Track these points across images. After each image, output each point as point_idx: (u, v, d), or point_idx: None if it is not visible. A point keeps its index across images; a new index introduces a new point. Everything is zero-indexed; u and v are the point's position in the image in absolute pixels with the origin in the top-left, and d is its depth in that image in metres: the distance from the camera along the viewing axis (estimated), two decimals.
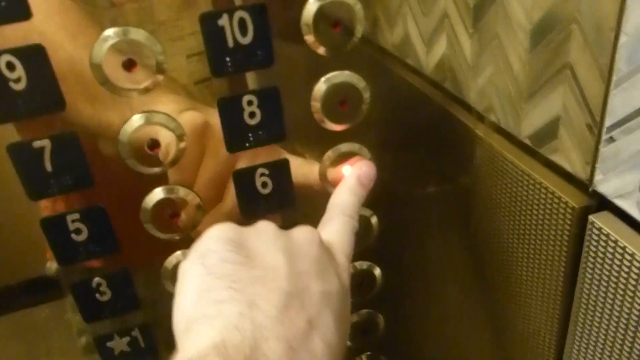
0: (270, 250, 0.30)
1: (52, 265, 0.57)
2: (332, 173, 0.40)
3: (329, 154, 0.40)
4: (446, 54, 0.50)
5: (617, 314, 0.36)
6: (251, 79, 0.52)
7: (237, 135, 0.37)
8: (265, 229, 0.32)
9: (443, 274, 0.51)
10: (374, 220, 0.43)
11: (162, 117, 0.35)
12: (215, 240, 0.30)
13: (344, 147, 0.40)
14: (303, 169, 0.41)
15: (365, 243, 0.44)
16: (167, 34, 0.32)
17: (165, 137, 0.35)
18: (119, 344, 0.41)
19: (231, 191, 0.40)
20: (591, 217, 0.36)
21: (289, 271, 0.29)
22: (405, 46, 0.55)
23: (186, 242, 0.39)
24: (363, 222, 0.43)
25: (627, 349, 0.36)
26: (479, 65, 0.46)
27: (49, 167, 0.34)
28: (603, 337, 0.37)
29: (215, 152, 0.40)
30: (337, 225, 0.36)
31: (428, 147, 0.50)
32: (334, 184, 0.40)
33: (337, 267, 0.32)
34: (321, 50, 0.36)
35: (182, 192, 0.38)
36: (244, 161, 0.40)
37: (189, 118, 0.38)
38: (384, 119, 0.45)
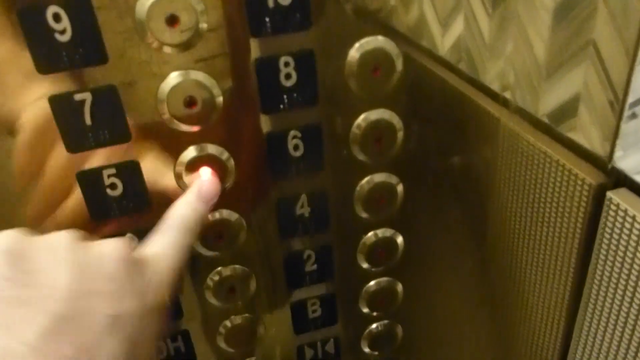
0: (55, 266, 0.26)
1: None
2: (189, 178, 0.38)
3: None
4: (463, 35, 0.50)
5: (630, 292, 0.36)
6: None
7: (272, 97, 0.37)
8: (59, 240, 0.28)
9: (460, 247, 0.51)
10: (399, 188, 0.44)
11: (199, 74, 0.35)
12: None
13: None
14: (157, 171, 0.38)
15: (391, 210, 0.45)
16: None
17: (202, 95, 0.36)
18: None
19: (76, 191, 0.37)
20: (609, 194, 0.36)
21: (70, 291, 0.25)
22: (420, 28, 0.55)
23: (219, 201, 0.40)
24: (389, 189, 0.44)
25: None
26: (497, 45, 0.46)
27: (88, 120, 0.34)
28: (615, 315, 0.38)
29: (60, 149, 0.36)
30: (162, 239, 0.33)
31: (446, 127, 0.50)
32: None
33: (142, 286, 0.29)
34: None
35: (213, 149, 0.38)
36: (91, 161, 0.37)
37: (34, 113, 0.35)
38: (408, 97, 0.45)
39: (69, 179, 0.37)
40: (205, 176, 0.37)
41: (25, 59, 0.32)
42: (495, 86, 0.47)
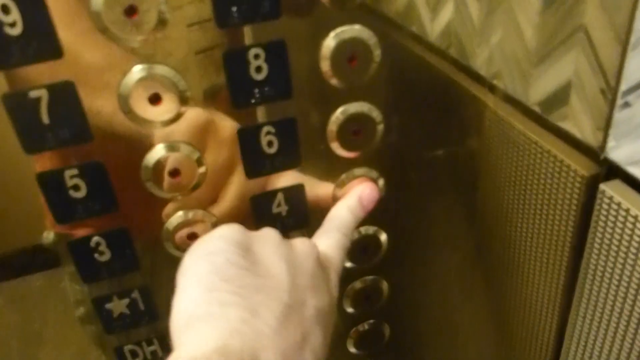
0: (274, 259, 0.30)
1: (49, 235, 0.56)
2: (342, 193, 0.41)
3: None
4: (452, 20, 0.49)
5: (625, 283, 0.35)
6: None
7: (242, 91, 0.35)
8: (270, 236, 0.32)
9: (448, 241, 0.50)
10: (380, 182, 0.42)
11: (164, 69, 0.34)
12: (224, 240, 0.30)
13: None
14: (317, 191, 0.41)
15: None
16: (167, 4, 0.31)
17: (168, 94, 0.34)
18: (118, 306, 0.40)
19: (228, 195, 0.39)
20: (602, 186, 0.36)
21: (291, 283, 0.29)
22: (409, 13, 0.54)
23: (187, 203, 0.38)
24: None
25: (635, 320, 0.35)
26: (487, 30, 0.45)
27: (45, 119, 0.32)
28: (610, 307, 0.37)
29: (217, 153, 0.38)
30: (331, 241, 0.36)
31: (433, 116, 0.49)
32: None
33: (329, 283, 0.32)
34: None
35: (184, 149, 0.36)
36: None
37: (193, 114, 0.37)
38: (389, 87, 0.44)
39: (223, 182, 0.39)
40: (367, 184, 0.40)
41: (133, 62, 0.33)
42: (484, 72, 0.46)
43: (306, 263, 0.31)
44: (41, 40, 0.30)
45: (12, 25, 0.29)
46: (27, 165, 0.38)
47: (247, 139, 0.37)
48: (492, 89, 0.45)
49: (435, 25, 0.52)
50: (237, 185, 0.39)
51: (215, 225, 0.38)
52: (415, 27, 0.54)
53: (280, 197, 0.39)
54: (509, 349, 0.50)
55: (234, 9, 0.33)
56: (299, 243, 0.33)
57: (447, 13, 0.50)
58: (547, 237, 0.41)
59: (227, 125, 0.38)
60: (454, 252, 0.51)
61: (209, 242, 0.30)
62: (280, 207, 0.40)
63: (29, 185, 0.36)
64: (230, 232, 0.30)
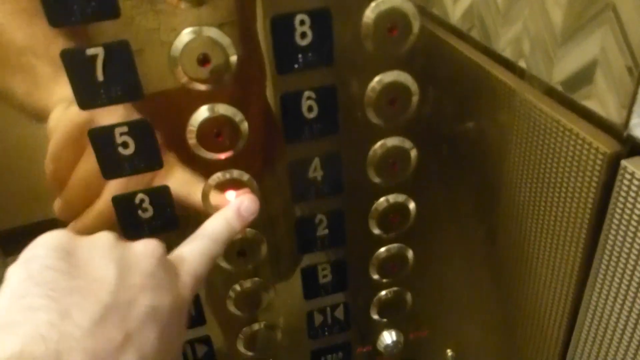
0: (101, 262, 0.29)
1: (59, 203, 0.57)
2: (215, 197, 0.40)
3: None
4: (475, 1, 0.49)
5: None
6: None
7: (288, 56, 0.36)
8: (102, 239, 0.31)
9: (472, 215, 0.51)
10: (413, 153, 0.43)
11: (213, 31, 0.35)
12: (43, 246, 0.29)
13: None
14: (186, 188, 0.40)
15: (404, 176, 0.44)
16: None
17: (216, 53, 0.35)
18: None
19: (104, 196, 0.39)
20: (624, 162, 0.36)
21: (116, 283, 0.28)
22: None
23: (230, 163, 0.39)
24: (402, 153, 0.43)
25: None
26: (511, 11, 0.45)
27: (100, 76, 0.34)
28: (626, 286, 0.37)
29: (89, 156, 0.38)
30: (194, 245, 0.35)
31: (461, 97, 0.50)
32: (216, 208, 0.39)
33: (174, 284, 0.32)
34: None
35: (224, 109, 0.37)
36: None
37: (71, 116, 0.36)
38: (425, 61, 0.44)
39: (97, 183, 0.38)
40: (248, 195, 0.39)
41: (57, 48, 0.33)
42: (508, 53, 0.46)
43: (143, 263, 0.30)
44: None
45: None
46: (38, 140, 0.38)
47: (289, 103, 0.38)
48: (514, 69, 0.45)
49: (457, 7, 0.52)
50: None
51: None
52: (437, 9, 0.54)
53: (143, 197, 0.39)
54: (524, 324, 0.51)
55: None
56: (140, 244, 0.32)
57: None
58: (566, 213, 0.41)
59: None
60: (477, 226, 0.52)
61: (28, 250, 0.29)
62: (146, 212, 0.39)
63: (40, 159, 0.38)
64: (50, 237, 0.29)
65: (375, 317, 0.52)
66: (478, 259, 0.53)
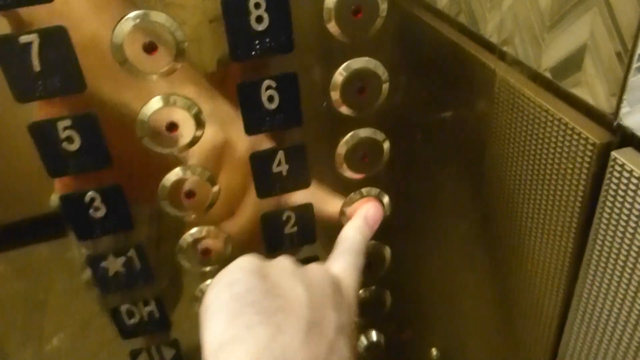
0: (291, 283, 0.32)
1: (56, 198, 0.56)
2: (350, 211, 0.43)
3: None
4: None
5: (634, 253, 0.34)
6: None
7: (243, 42, 0.34)
8: (284, 262, 0.34)
9: (453, 210, 0.49)
10: (385, 145, 0.41)
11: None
12: (242, 270, 0.32)
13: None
14: (327, 207, 0.43)
15: (376, 169, 0.42)
16: None
17: (164, 44, 0.33)
18: (114, 265, 0.40)
19: (243, 212, 0.41)
20: (614, 153, 0.34)
21: (308, 302, 0.31)
22: None
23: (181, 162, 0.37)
24: (374, 145, 0.41)
25: None
26: None
27: (37, 65, 0.31)
28: (617, 279, 0.36)
29: (232, 172, 0.40)
30: (346, 262, 0.38)
31: (440, 82, 0.48)
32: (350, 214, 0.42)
33: (345, 302, 0.34)
34: None
35: (181, 102, 0.35)
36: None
37: (210, 137, 0.38)
38: (395, 47, 0.42)
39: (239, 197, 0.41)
40: (372, 203, 0.42)
41: None
42: (494, 38, 0.45)
43: (322, 284, 0.33)
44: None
45: None
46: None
47: (248, 93, 0.36)
48: (502, 55, 0.43)
49: None
50: (250, 203, 0.41)
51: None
52: None
53: (290, 214, 0.41)
54: (514, 320, 0.49)
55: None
56: (314, 267, 0.35)
57: None
58: (556, 206, 0.40)
59: (241, 144, 0.39)
60: (459, 220, 0.50)
61: (228, 274, 0.32)
62: (290, 224, 0.42)
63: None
64: (247, 262, 0.33)
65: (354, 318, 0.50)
66: (460, 255, 0.51)
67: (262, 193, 0.40)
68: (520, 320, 0.48)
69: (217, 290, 0.31)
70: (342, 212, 0.43)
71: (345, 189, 0.43)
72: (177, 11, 0.37)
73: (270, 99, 0.36)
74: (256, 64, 0.36)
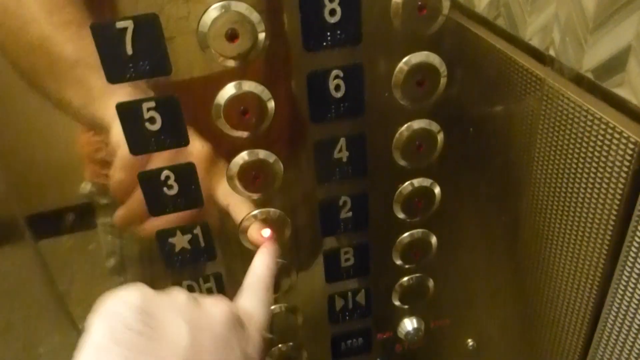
0: (176, 323, 0.31)
1: (86, 186, 0.57)
2: (252, 231, 0.43)
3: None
4: None
5: None
6: None
7: (316, 34, 0.36)
8: (178, 298, 0.33)
9: (496, 203, 0.51)
10: (440, 136, 0.43)
11: (242, 6, 0.34)
12: (125, 304, 0.30)
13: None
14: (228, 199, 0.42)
15: (430, 159, 0.44)
16: None
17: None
18: (181, 241, 0.42)
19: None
20: None
21: (189, 345, 0.30)
22: None
23: (253, 143, 0.39)
24: (429, 136, 0.43)
25: None
26: None
27: (129, 49, 0.34)
28: None
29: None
30: (254, 298, 0.37)
31: (481, 83, 0.49)
32: (250, 240, 0.43)
33: (245, 343, 0.33)
34: None
35: (253, 87, 0.37)
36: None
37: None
38: (454, 43, 0.44)
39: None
40: (268, 236, 0.42)
41: None
42: (535, 42, 0.46)
43: (214, 324, 0.32)
44: None
45: None
46: (60, 126, 0.39)
47: (316, 81, 0.38)
48: (543, 58, 0.45)
49: None
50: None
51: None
52: None
53: (346, 199, 0.42)
54: (547, 316, 0.50)
55: None
56: (210, 304, 0.33)
57: None
58: (593, 204, 0.40)
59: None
60: (502, 214, 0.51)
61: (111, 304, 0.31)
62: (345, 209, 0.43)
63: (63, 145, 0.39)
64: (132, 297, 0.31)
65: (397, 303, 0.52)
66: (501, 248, 0.53)
67: (322, 178, 0.42)
68: (553, 320, 0.49)
69: (97, 319, 0.30)
70: (242, 229, 0.43)
71: (399, 178, 0.45)
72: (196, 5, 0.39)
73: (337, 87, 0.38)
74: (322, 55, 0.38)
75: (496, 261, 0.53)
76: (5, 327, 0.54)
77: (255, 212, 0.42)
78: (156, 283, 0.43)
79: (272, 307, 0.49)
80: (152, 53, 0.34)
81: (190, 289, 0.45)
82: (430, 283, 0.51)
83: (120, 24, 0.33)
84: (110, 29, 0.33)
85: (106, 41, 0.33)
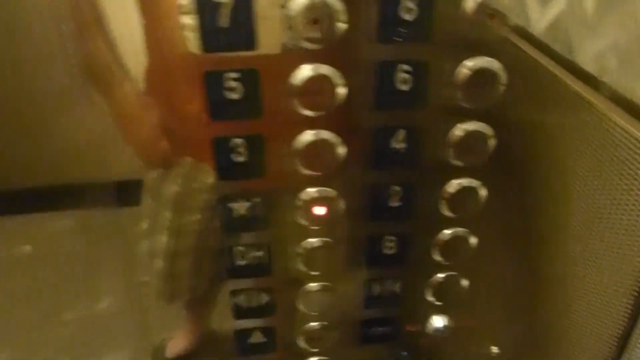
0: None
1: None
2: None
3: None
4: (563, 13, 0.50)
5: None
6: None
7: (390, 28, 0.39)
8: None
9: (535, 210, 0.52)
10: (491, 141, 0.45)
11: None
12: None
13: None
14: None
15: (479, 161, 0.46)
16: None
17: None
18: (240, 207, 0.45)
19: None
20: None
21: None
22: (514, 5, 0.55)
23: (320, 123, 0.43)
24: (481, 138, 0.45)
25: None
26: (601, 24, 0.46)
27: (226, 22, 0.37)
28: None
29: None
30: None
31: (532, 99, 0.50)
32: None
33: None
34: None
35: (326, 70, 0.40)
36: None
37: None
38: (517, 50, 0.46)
39: None
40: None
41: None
42: (590, 67, 0.47)
43: None
44: None
45: None
46: None
47: (384, 72, 0.41)
48: (596, 85, 0.46)
49: (543, 18, 0.53)
50: None
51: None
52: (520, 19, 0.55)
53: (397, 189, 0.45)
54: (574, 335, 0.51)
55: None
56: None
57: (557, 6, 0.51)
58: (632, 228, 0.41)
59: None
60: (540, 227, 0.53)
61: None
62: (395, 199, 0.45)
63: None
64: None
65: (430, 298, 0.54)
66: (536, 261, 0.54)
67: (377, 165, 0.45)
68: (582, 339, 0.50)
69: None
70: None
71: (448, 175, 0.47)
72: None
73: (404, 80, 0.41)
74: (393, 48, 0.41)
75: (530, 272, 0.55)
76: (32, 291, 0.55)
77: (313, 190, 0.45)
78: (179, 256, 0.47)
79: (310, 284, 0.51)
80: (245, 28, 0.38)
81: (241, 254, 0.48)
82: (465, 283, 0.53)
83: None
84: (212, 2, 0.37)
85: (207, 12, 0.37)
